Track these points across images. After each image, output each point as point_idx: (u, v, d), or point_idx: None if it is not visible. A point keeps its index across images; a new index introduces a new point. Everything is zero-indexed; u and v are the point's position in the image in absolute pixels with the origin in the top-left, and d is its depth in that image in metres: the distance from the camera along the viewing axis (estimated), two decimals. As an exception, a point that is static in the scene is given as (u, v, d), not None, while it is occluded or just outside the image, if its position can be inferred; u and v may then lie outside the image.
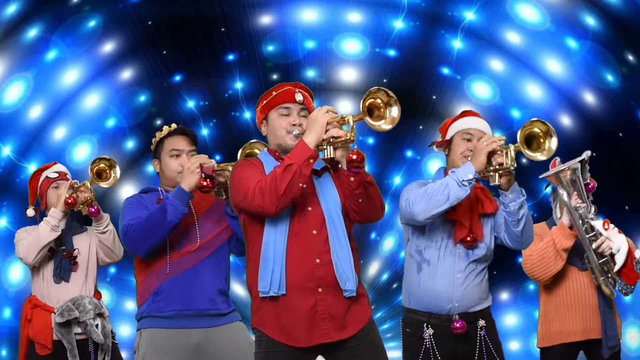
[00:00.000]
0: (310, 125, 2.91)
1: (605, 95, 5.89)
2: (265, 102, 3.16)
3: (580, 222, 3.71)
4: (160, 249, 3.44)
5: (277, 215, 2.95)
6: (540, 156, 3.16)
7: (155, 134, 3.73)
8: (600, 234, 3.67)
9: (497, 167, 3.22)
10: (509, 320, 6.58)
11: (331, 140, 2.88)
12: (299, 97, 3.10)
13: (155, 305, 3.44)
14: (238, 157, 3.41)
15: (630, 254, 3.65)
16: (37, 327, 4.15)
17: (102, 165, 4.14)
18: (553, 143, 3.15)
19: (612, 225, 3.69)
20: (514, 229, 3.38)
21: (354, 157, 2.84)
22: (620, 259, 3.63)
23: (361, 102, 2.84)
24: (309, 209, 3.01)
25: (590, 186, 3.89)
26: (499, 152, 3.21)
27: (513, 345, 6.44)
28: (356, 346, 3.00)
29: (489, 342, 3.45)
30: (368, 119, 2.84)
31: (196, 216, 3.54)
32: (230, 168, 3.36)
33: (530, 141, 3.17)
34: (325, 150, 2.90)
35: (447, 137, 3.58)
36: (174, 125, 3.71)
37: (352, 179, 2.93)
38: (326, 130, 2.88)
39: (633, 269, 3.64)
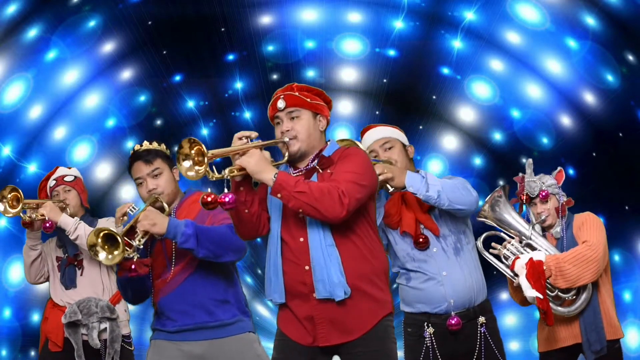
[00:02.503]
0: None
1: (605, 95, 5.88)
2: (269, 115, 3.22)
3: (502, 264, 3.72)
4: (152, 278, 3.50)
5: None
6: None
7: None
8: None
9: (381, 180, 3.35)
10: (509, 320, 6.58)
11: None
12: (280, 104, 3.08)
13: (159, 322, 3.51)
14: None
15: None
16: (51, 325, 4.29)
17: (11, 194, 4.18)
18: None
19: (519, 262, 3.63)
20: (442, 207, 3.41)
21: (208, 199, 2.84)
22: (528, 297, 3.61)
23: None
24: (300, 215, 3.02)
25: (543, 195, 3.83)
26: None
27: (513, 345, 6.44)
28: (362, 352, 2.97)
29: (490, 340, 3.45)
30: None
31: (175, 246, 3.45)
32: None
33: None
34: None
35: None
36: (137, 147, 3.61)
37: (279, 195, 2.89)
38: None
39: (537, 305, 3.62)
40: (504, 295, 6.56)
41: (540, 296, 3.53)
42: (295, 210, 2.92)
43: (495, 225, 3.83)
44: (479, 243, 3.69)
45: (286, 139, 3.04)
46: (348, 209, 2.88)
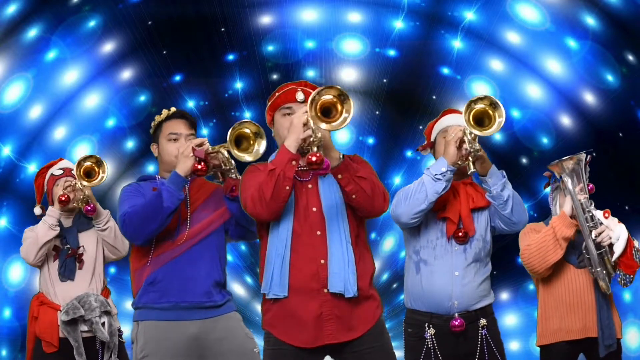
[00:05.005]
0: (290, 128, 2.92)
1: (605, 95, 5.89)
2: (270, 103, 3.17)
3: (582, 210, 3.71)
4: (154, 238, 3.42)
5: (273, 220, 2.98)
6: (491, 130, 3.17)
7: (155, 117, 3.66)
8: (601, 223, 3.66)
9: (466, 153, 3.27)
10: (509, 320, 6.59)
11: (310, 140, 2.88)
12: (299, 96, 3.09)
13: (150, 296, 3.40)
14: (227, 138, 3.35)
15: (629, 242, 3.65)
16: (43, 325, 4.14)
17: (89, 164, 4.11)
18: (501, 113, 3.15)
19: (612, 217, 3.70)
20: (503, 212, 3.39)
21: (313, 159, 2.80)
22: (619, 247, 3.62)
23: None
24: (314, 209, 3.02)
25: (589, 187, 3.90)
26: (465, 139, 3.26)
27: (513, 345, 6.44)
28: (366, 349, 3.00)
29: (491, 342, 3.45)
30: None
31: (189, 209, 3.47)
32: (223, 150, 3.33)
33: (482, 120, 3.19)
34: (310, 151, 2.89)
35: (432, 139, 3.61)
36: (172, 109, 3.64)
37: (339, 176, 2.92)
38: (304, 131, 2.88)
39: (632, 257, 3.63)
40: (504, 295, 6.57)
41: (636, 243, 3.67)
42: (350, 194, 2.94)
43: (564, 173, 3.79)
44: (566, 176, 3.72)
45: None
46: (388, 206, 3.02)
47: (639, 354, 5.74)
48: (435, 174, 3.26)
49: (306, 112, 2.86)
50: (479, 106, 3.18)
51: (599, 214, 3.69)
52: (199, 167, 3.27)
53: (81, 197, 4.15)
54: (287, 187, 2.89)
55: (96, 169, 4.07)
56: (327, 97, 2.81)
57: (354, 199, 2.95)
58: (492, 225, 3.52)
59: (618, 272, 3.70)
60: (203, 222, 3.46)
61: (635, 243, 3.67)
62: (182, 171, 3.30)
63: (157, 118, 3.62)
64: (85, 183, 4.03)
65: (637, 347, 5.76)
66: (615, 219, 3.68)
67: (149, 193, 3.45)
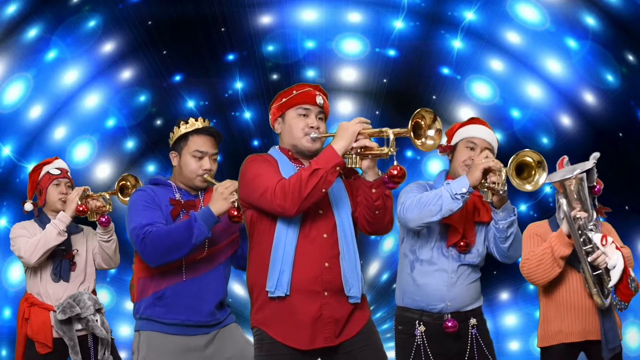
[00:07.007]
0: (340, 133, 2.87)
1: (605, 95, 5.89)
2: (284, 100, 3.13)
3: (579, 233, 3.70)
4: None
5: (294, 216, 2.93)
6: (527, 186, 3.21)
7: (179, 123, 3.51)
8: (597, 248, 3.67)
9: (490, 185, 3.26)
10: (509, 320, 6.58)
11: (359, 150, 2.87)
12: (319, 99, 3.09)
13: (156, 310, 3.38)
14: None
15: (625, 271, 3.66)
16: (36, 326, 4.13)
17: (127, 182, 4.21)
18: (542, 177, 3.19)
19: (610, 240, 3.68)
20: (501, 245, 3.44)
21: (395, 172, 2.81)
22: (615, 276, 3.65)
23: (410, 120, 2.82)
24: (320, 212, 3.01)
25: (596, 189, 3.88)
26: (494, 170, 3.25)
27: (513, 345, 6.44)
28: (358, 349, 3.01)
29: (481, 341, 3.48)
30: (412, 136, 2.81)
31: None
32: None
33: (522, 169, 3.23)
34: (351, 159, 2.89)
35: (453, 142, 3.60)
36: (200, 121, 3.51)
37: (373, 190, 2.93)
38: (356, 140, 2.86)
39: (628, 286, 3.66)
40: (504, 295, 6.56)
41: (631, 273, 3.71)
42: (374, 209, 2.97)
43: (563, 192, 3.77)
44: (562, 197, 3.69)
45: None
46: (391, 229, 3.09)
47: (639, 354, 5.74)
48: (456, 193, 3.24)
49: (361, 122, 2.87)
50: (528, 159, 3.21)
51: (596, 238, 3.68)
52: (235, 213, 3.25)
53: (97, 207, 4.20)
54: (324, 190, 2.86)
55: (130, 188, 4.18)
56: (422, 122, 2.87)
57: (375, 214, 2.98)
58: (485, 244, 3.55)
59: (615, 297, 3.73)
60: (221, 245, 3.47)
61: (632, 272, 3.69)
62: (217, 211, 3.27)
63: (183, 127, 3.49)
64: (123, 199, 4.17)
65: (637, 347, 5.76)
66: (614, 245, 3.67)
67: (166, 206, 3.40)
